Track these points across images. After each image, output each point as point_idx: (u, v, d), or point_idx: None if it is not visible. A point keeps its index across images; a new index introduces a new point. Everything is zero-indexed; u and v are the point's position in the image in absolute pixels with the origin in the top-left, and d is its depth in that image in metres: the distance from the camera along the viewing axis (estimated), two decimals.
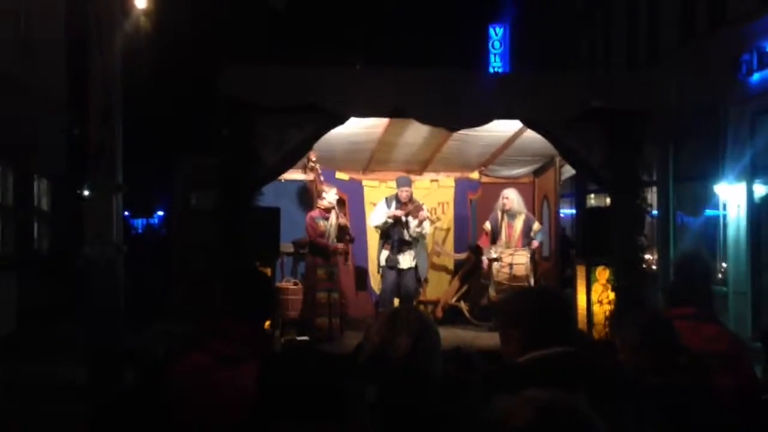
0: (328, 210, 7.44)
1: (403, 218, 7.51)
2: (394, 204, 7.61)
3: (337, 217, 7.44)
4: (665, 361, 2.40)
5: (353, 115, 6.07)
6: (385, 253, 7.60)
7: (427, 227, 7.62)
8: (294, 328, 7.36)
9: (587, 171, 6.55)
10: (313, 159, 7.87)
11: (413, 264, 7.59)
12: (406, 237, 7.57)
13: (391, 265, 7.52)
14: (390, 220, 7.48)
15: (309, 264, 7.47)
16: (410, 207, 7.50)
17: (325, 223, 7.41)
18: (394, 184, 7.93)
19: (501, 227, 7.88)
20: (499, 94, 6.14)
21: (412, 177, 8.35)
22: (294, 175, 8.44)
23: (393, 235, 7.56)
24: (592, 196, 11.43)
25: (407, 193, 7.56)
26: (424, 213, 7.46)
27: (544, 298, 2.05)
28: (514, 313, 2.00)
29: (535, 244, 7.81)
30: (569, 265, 7.87)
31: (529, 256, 7.61)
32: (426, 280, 8.11)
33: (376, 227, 7.67)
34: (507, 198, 7.88)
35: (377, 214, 7.64)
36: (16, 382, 5.42)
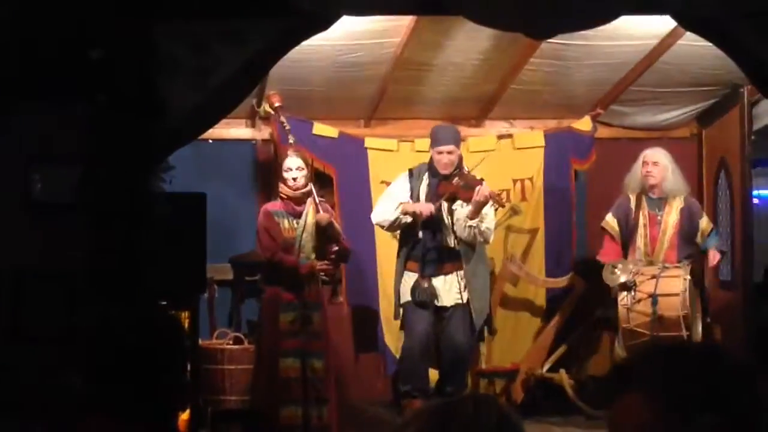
0: (298, 199, 7.46)
1: (443, 205, 7.52)
2: (425, 179, 7.62)
3: (317, 210, 7.45)
4: None
5: (345, 12, 6.06)
6: (409, 277, 7.63)
7: (490, 220, 7.62)
8: (238, 426, 7.40)
9: None
10: (278, 102, 7.83)
11: (464, 297, 7.62)
12: (450, 241, 7.59)
13: (422, 299, 7.53)
14: (403, 218, 7.50)
15: (265, 303, 7.52)
16: (457, 182, 7.50)
17: (294, 222, 7.44)
18: (425, 144, 7.95)
19: (637, 223, 7.87)
20: None
21: (462, 129, 8.31)
22: (233, 131, 8.42)
23: (424, 238, 7.60)
24: None
25: (451, 157, 7.57)
26: (484, 190, 7.43)
27: (725, 367, 2.04)
28: (664, 393, 2.00)
29: (715, 257, 7.76)
30: None
31: (689, 279, 7.58)
32: (492, 330, 8.11)
33: (382, 225, 7.68)
34: (652, 165, 7.85)
35: (386, 200, 7.65)
36: None
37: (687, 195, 7.95)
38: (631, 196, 7.93)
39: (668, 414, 2.02)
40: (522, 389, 8.36)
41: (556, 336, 8.45)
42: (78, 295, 5.34)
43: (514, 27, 6.24)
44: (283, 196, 7.47)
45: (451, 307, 7.57)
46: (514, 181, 8.71)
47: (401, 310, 7.67)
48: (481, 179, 7.53)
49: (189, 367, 5.44)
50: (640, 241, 7.85)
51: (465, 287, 7.56)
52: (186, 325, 6.02)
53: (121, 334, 2.67)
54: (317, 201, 7.46)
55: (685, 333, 7.42)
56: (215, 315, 8.05)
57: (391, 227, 7.60)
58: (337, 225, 7.61)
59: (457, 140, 7.69)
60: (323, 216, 7.43)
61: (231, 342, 7.76)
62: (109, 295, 5.38)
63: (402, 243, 7.73)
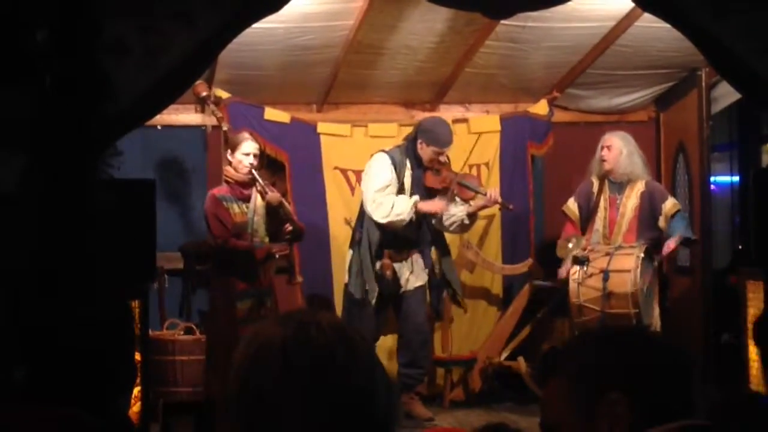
0: (244, 182, 7.37)
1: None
2: (408, 165, 7.65)
3: (264, 192, 7.36)
4: None
5: None
6: (375, 267, 7.66)
7: (461, 211, 7.79)
8: (189, 418, 7.36)
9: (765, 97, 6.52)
10: (204, 93, 7.75)
11: (424, 279, 7.78)
12: (422, 227, 7.74)
13: (387, 291, 7.62)
14: (415, 217, 7.57)
15: (217, 291, 7.45)
16: (452, 178, 7.69)
17: (243, 206, 7.35)
18: (378, 129, 8.05)
19: (598, 206, 7.90)
20: None
21: (417, 114, 8.43)
22: (183, 117, 8.38)
23: (404, 230, 7.64)
24: None
25: (445, 156, 7.74)
26: (496, 196, 7.74)
27: (637, 351, 2.23)
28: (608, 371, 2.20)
29: (669, 246, 7.80)
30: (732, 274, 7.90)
31: (641, 257, 7.60)
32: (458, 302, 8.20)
33: (396, 224, 7.59)
34: (606, 149, 7.88)
35: (387, 198, 7.54)
36: None
37: (649, 179, 7.96)
38: (594, 180, 7.96)
39: (579, 390, 2.21)
40: (480, 378, 8.38)
41: (515, 323, 8.48)
42: (22, 287, 5.27)
43: (472, 6, 6.25)
44: (230, 180, 7.37)
45: (413, 289, 7.75)
46: (470, 167, 8.70)
47: (346, 303, 7.79)
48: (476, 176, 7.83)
49: (138, 358, 5.43)
50: (599, 223, 7.89)
51: (429, 267, 7.81)
52: (135, 315, 5.99)
53: (66, 323, 2.64)
54: (262, 183, 7.39)
55: (633, 310, 7.45)
56: (165, 305, 8.00)
57: (400, 225, 7.60)
58: (286, 204, 7.60)
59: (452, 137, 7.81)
60: (274, 195, 7.39)
61: (182, 333, 7.70)
62: (55, 285, 5.32)
63: (369, 233, 7.67)
